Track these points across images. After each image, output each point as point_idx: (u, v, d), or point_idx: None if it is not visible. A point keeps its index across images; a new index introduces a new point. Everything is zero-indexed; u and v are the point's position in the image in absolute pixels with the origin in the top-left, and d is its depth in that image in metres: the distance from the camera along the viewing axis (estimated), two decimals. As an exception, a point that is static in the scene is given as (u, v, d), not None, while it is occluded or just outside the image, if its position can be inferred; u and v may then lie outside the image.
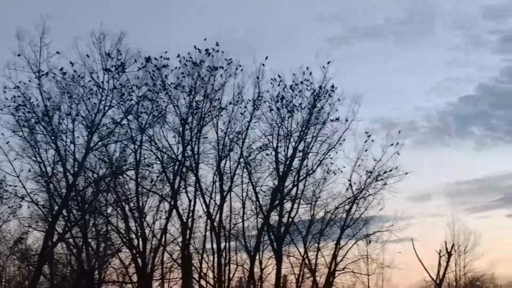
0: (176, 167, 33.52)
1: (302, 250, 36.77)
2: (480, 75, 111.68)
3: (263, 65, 33.74)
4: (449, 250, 52.79)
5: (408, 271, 45.18)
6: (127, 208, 32.70)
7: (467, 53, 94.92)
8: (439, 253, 52.57)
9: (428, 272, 51.28)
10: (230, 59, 33.13)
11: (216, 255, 33.69)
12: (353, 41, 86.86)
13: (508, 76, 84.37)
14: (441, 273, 51.84)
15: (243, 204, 35.26)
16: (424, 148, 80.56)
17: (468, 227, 55.15)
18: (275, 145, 34.90)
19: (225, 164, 34.40)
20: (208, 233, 34.22)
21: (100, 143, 31.61)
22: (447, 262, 52.71)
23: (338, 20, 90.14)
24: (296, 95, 34.52)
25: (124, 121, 31.96)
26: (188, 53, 32.71)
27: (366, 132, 35.41)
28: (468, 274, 56.01)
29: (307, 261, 36.69)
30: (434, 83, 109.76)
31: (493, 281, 60.42)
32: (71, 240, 32.09)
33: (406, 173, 35.51)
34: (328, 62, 33.66)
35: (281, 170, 34.92)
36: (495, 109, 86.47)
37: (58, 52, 29.32)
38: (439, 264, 52.23)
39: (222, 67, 33.12)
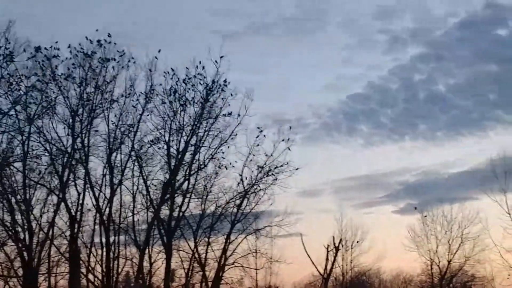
0: (65, 160, 34.45)
1: (192, 244, 38.52)
2: (369, 74, 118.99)
3: (156, 58, 35.32)
4: (336, 245, 56.89)
5: (297, 266, 48.51)
6: (13, 200, 33.28)
7: (357, 52, 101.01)
8: (327, 248, 56.54)
9: (315, 267, 55.08)
10: (123, 51, 34.49)
11: (104, 249, 34.80)
12: (246, 36, 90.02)
13: (396, 75, 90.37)
14: (329, 267, 55.86)
15: (134, 197, 36.61)
16: (314, 144, 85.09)
17: (356, 222, 59.46)
18: (167, 138, 36.44)
19: (115, 157, 35.59)
20: (97, 226, 35.30)
21: (-15, 133, 31.99)
22: (335, 257, 56.62)
23: (233, 15, 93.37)
24: (189, 89, 36.20)
25: (12, 112, 32.71)
26: (79, 44, 33.77)
27: (258, 128, 37.60)
28: (355, 269, 60.16)
29: (196, 256, 38.44)
30: (325, 80, 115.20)
31: (378, 275, 65.34)
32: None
33: (297, 169, 38.03)
34: (221, 57, 35.43)
35: (173, 164, 36.48)
36: (382, 108, 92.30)
37: None
38: (327, 259, 56.10)
39: (114, 59, 34.39)
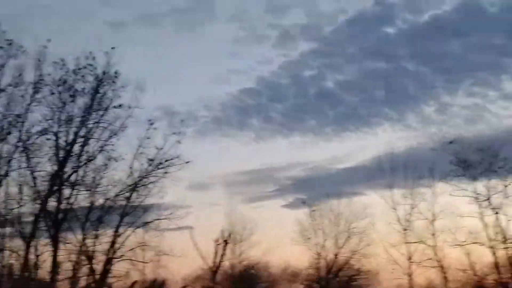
0: None
1: (80, 237, 38.99)
2: (259, 68, 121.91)
3: (45, 47, 35.84)
4: (225, 239, 59.05)
5: (186, 259, 49.95)
6: None
7: (247, 46, 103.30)
8: (216, 242, 58.60)
9: (204, 260, 56.96)
10: (11, 39, 34.87)
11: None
12: (136, 27, 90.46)
13: (286, 70, 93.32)
14: (218, 261, 57.91)
15: (20, 189, 36.71)
16: (205, 137, 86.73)
17: (245, 216, 61.78)
18: (55, 129, 36.85)
19: (2, 147, 35.65)
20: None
21: None
22: (224, 250, 58.87)
23: (122, 5, 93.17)
24: (79, 79, 36.91)
25: None
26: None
27: (149, 120, 38.90)
28: (244, 262, 62.69)
29: (84, 248, 38.96)
30: (216, 74, 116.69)
31: (267, 268, 67.81)
32: None
33: (187, 162, 39.65)
34: (112, 48, 36.60)
35: (61, 155, 36.90)
36: (273, 102, 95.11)
37: None
38: (216, 252, 58.21)
39: (2, 47, 34.79)
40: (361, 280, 60.73)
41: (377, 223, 53.88)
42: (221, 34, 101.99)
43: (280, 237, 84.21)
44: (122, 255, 40.29)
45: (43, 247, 37.60)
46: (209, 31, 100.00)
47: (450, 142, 49.07)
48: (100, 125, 37.62)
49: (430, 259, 50.10)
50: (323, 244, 58.18)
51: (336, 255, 57.90)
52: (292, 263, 68.39)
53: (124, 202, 39.70)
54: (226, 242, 58.83)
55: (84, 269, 40.09)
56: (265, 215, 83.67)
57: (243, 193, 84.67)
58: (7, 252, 36.49)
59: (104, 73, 37.18)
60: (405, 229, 50.78)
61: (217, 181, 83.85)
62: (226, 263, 60.52)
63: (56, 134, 36.98)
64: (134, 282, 59.59)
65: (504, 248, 48.00)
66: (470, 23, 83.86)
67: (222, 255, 58.54)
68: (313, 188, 78.28)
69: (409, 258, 50.60)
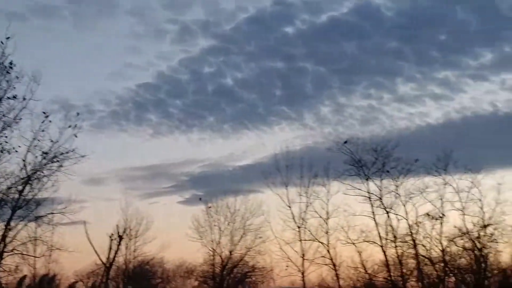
0: None
1: None
2: (158, 63, 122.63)
3: None
4: (120, 234, 59.05)
5: (80, 254, 49.79)
6: None
7: (146, 41, 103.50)
8: (111, 237, 58.50)
9: (98, 255, 56.74)
10: None
11: None
12: (32, 18, 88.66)
13: (185, 67, 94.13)
14: (112, 256, 57.85)
15: None
16: (102, 132, 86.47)
17: (141, 212, 61.98)
18: None
19: None
20: None
21: None
22: (118, 245, 58.78)
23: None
24: (-28, 69, 35.87)
25: None
26: None
27: (44, 113, 38.16)
28: (138, 258, 62.92)
29: None
30: (114, 68, 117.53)
31: (162, 264, 68.34)
32: None
33: (83, 156, 39.35)
34: (7, 38, 35.70)
35: None
36: (172, 98, 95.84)
37: None
38: (110, 248, 58.08)
39: None
40: (255, 276, 62.11)
41: (272, 220, 55.26)
42: (120, 28, 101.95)
43: (176, 233, 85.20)
44: (13, 249, 39.78)
45: None
46: (107, 25, 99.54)
47: (345, 142, 51.13)
48: (-7, 116, 36.74)
49: (323, 256, 51.93)
50: (218, 241, 59.03)
51: (231, 251, 58.83)
52: (187, 259, 69.38)
53: (16, 195, 39.06)
54: (120, 237, 58.81)
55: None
56: (161, 211, 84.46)
57: (140, 189, 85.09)
58: None
59: (-2, 63, 36.32)
60: (299, 227, 52.37)
61: (113, 176, 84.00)
62: (120, 259, 60.67)
63: None
64: (23, 277, 58.94)
65: (394, 246, 50.47)
66: (367, 26, 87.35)
67: (117, 250, 58.52)
68: (210, 185, 79.73)
69: (303, 256, 52.18)
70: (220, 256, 59.00)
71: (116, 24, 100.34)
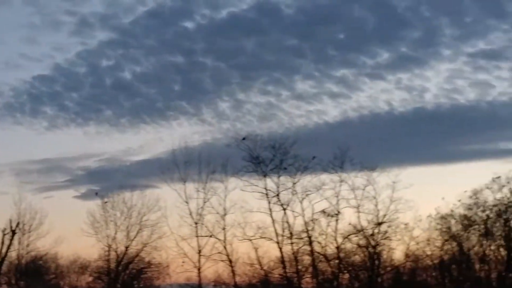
0: None
1: None
2: (55, 55, 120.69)
3: None
4: (13, 229, 57.87)
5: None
6: None
7: (43, 32, 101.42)
8: (3, 231, 57.32)
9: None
10: None
11: None
12: None
13: (82, 59, 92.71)
14: (4, 251, 56.64)
15: None
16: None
17: (35, 206, 60.84)
18: None
19: None
20: None
21: None
22: (11, 240, 57.72)
23: None
24: None
25: None
26: None
27: None
28: (31, 253, 61.75)
29: None
30: (8, 58, 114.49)
31: (55, 260, 67.08)
32: None
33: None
34: None
35: None
36: (68, 91, 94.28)
37: None
38: (3, 242, 56.94)
39: None
40: (151, 272, 61.94)
41: (169, 216, 55.24)
42: (15, 18, 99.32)
43: (71, 228, 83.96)
44: None
45: None
46: (2, 14, 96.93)
47: (243, 139, 51.60)
48: None
49: (219, 253, 52.33)
50: (114, 236, 58.61)
51: (127, 247, 58.43)
52: (82, 255, 68.40)
53: None
54: (13, 232, 57.78)
55: None
56: (56, 206, 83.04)
57: (34, 183, 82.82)
58: None
59: None
60: (196, 223, 52.55)
61: (6, 169, 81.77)
62: (13, 254, 59.59)
63: None
64: None
65: (290, 243, 51.49)
66: (266, 23, 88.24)
67: (9, 245, 57.50)
68: (107, 180, 79.04)
69: (199, 252, 52.46)
70: (116, 251, 58.66)
71: (12, 13, 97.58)
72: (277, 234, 51.34)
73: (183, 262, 53.31)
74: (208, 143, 71.51)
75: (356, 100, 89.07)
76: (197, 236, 52.50)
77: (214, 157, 53.28)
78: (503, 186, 52.44)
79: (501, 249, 53.92)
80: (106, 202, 59.05)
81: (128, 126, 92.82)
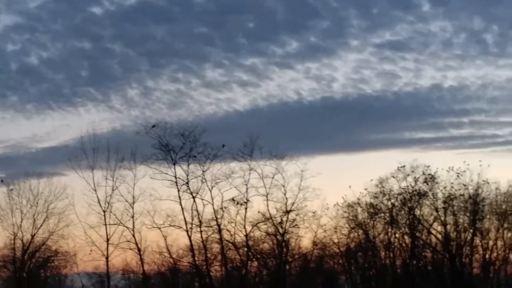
0: None
1: None
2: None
3: None
4: None
5: None
6: None
7: None
8: None
9: None
10: None
11: None
12: None
13: None
14: None
15: None
16: None
17: None
18: None
19: None
20: None
21: None
22: None
23: None
24: None
25: None
26: None
27: None
28: None
29: None
30: None
31: None
32: None
33: None
34: None
35: None
36: None
37: None
38: None
39: None
40: (58, 261, 61.75)
41: (77, 204, 54.94)
42: None
43: None
44: None
45: None
46: None
47: (153, 126, 51.87)
48: None
49: (128, 241, 52.59)
50: (20, 224, 57.86)
51: (33, 235, 57.85)
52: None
53: None
54: None
55: None
56: None
57: None
58: None
59: None
60: (104, 211, 52.51)
61: None
62: None
63: None
64: None
65: (199, 231, 52.27)
66: (177, 11, 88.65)
67: None
68: (12, 167, 78.12)
69: (107, 240, 52.51)
70: (21, 240, 57.98)
71: None
72: (186, 222, 51.96)
73: (91, 250, 53.25)
74: (116, 130, 71.72)
75: (266, 88, 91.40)
76: (105, 224, 52.50)
77: (123, 144, 53.38)
78: (408, 175, 55.13)
79: (406, 237, 56.65)
80: (11, 190, 58.29)
81: (35, 112, 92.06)
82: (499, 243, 57.27)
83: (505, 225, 56.89)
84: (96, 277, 57.46)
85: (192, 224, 52.09)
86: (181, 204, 51.88)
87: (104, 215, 52.51)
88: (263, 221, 53.10)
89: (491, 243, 57.05)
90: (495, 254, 57.46)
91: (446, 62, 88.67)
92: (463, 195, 55.43)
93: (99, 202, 52.53)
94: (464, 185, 55.20)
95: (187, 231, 52.08)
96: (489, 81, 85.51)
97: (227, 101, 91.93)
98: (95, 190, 52.77)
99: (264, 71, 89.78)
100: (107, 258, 52.78)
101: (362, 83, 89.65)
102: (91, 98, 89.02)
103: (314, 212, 53.61)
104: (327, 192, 57.74)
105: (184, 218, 51.95)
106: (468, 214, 55.79)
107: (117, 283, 57.22)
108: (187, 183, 51.99)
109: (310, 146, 67.53)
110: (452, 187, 55.11)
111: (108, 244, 52.55)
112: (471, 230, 55.96)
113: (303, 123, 77.10)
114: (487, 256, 57.01)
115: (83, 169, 52.89)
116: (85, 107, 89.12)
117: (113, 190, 52.56)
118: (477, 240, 56.68)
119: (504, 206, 57.06)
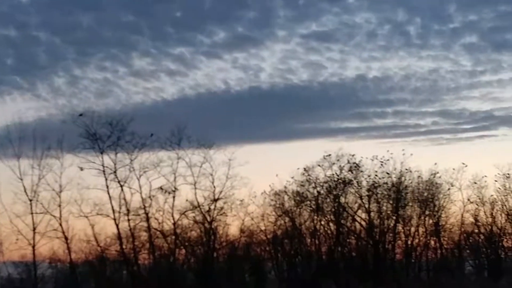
0: None
1: None
2: None
3: None
4: None
5: None
6: None
7: None
8: None
9: None
10: None
11: None
12: None
13: None
14: None
15: None
16: None
17: None
18: None
19: None
20: None
21: None
22: None
23: None
24: None
25: None
26: None
27: None
28: None
29: None
30: None
31: None
32: None
33: None
34: None
35: None
36: None
37: None
38: None
39: None
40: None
41: (2, 193, 54.76)
42: None
43: None
44: None
45: None
46: None
47: (80, 115, 52.49)
48: None
49: (55, 230, 53.04)
50: None
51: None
52: None
53: None
54: None
55: None
56: None
57: None
58: None
59: None
60: (31, 200, 52.70)
61: None
62: None
63: None
64: None
65: (127, 220, 53.29)
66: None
67: None
68: None
69: (34, 229, 52.74)
70: None
71: None
72: (114, 211, 52.74)
73: (17, 239, 53.19)
74: (43, 119, 71.44)
75: (194, 78, 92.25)
76: (31, 213, 52.61)
77: (49, 133, 53.47)
78: (333, 163, 57.31)
79: (331, 224, 58.88)
80: None
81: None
82: (421, 229, 59.91)
83: (427, 212, 59.51)
84: (22, 266, 57.51)
85: (119, 212, 52.98)
86: (108, 193, 52.73)
87: (31, 204, 52.58)
88: (191, 210, 54.55)
89: (413, 229, 59.61)
90: (416, 240, 60.03)
91: (371, 53, 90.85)
92: (386, 183, 57.93)
93: (25, 191, 52.48)
94: (388, 174, 57.67)
95: (114, 219, 52.91)
96: (412, 72, 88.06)
97: (155, 90, 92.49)
98: (21, 179, 52.85)
99: (192, 60, 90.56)
100: (33, 247, 52.88)
101: (289, 73, 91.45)
102: (17, 86, 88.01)
103: (241, 200, 55.50)
104: (254, 180, 59.43)
105: (112, 207, 52.79)
106: (391, 202, 58.37)
107: (44, 272, 57.44)
108: (115, 172, 52.89)
109: (238, 135, 69.11)
110: (376, 175, 57.50)
111: (34, 233, 52.62)
112: (394, 217, 58.44)
113: (230, 113, 78.51)
114: (409, 242, 59.58)
115: (8, 157, 53.07)
116: (10, 95, 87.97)
117: (39, 179, 52.69)
118: (400, 227, 59.19)
119: (425, 194, 59.64)
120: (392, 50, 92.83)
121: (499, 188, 59.96)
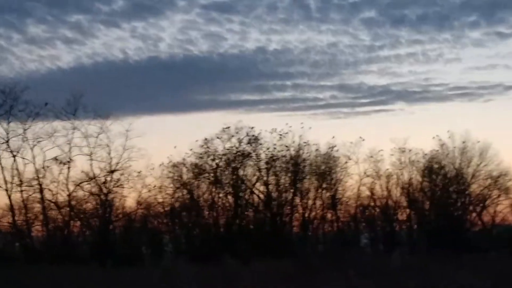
0: None
1: None
2: None
3: None
4: None
5: None
6: None
7: None
8: None
9: None
10: None
11: None
12: None
13: None
14: None
15: None
16: None
17: None
18: None
19: None
20: None
21: None
22: None
23: None
24: None
25: None
26: None
27: None
28: None
29: None
30: None
31: None
32: None
33: None
34: None
35: None
36: None
37: None
38: None
39: None
40: None
41: None
42: None
43: None
44: None
45: None
46: None
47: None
48: None
49: None
50: None
51: None
52: None
53: None
54: None
55: None
56: None
57: None
58: None
59: None
60: None
61: None
62: None
63: None
64: None
65: (20, 191, 52.93)
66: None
67: None
68: None
69: None
70: None
71: None
72: (6, 182, 52.41)
73: None
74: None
75: (91, 47, 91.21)
76: None
77: None
78: (232, 136, 57.99)
79: (229, 197, 59.72)
80: None
81: None
82: (318, 202, 61.29)
83: (324, 185, 61.05)
84: None
85: (12, 183, 52.67)
86: (0, 163, 52.28)
87: None
88: (86, 181, 54.43)
89: (310, 202, 60.93)
90: (314, 213, 61.50)
91: (271, 26, 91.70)
92: (285, 156, 59.11)
93: None
94: (286, 147, 58.92)
95: (6, 190, 52.57)
96: (311, 45, 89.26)
97: (51, 58, 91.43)
98: None
99: (89, 28, 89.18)
100: None
101: (189, 44, 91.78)
102: None
103: (139, 172, 55.56)
104: (152, 152, 59.40)
105: (4, 177, 52.44)
106: (289, 175, 59.67)
107: None
108: (7, 141, 52.42)
109: (136, 106, 69.04)
110: (274, 148, 58.63)
111: None
112: (292, 190, 59.74)
113: (129, 83, 78.18)
114: (306, 215, 61.13)
115: None
116: None
117: None
118: (297, 200, 60.54)
119: (323, 167, 61.11)
120: (292, 23, 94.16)
121: (395, 162, 61.87)
